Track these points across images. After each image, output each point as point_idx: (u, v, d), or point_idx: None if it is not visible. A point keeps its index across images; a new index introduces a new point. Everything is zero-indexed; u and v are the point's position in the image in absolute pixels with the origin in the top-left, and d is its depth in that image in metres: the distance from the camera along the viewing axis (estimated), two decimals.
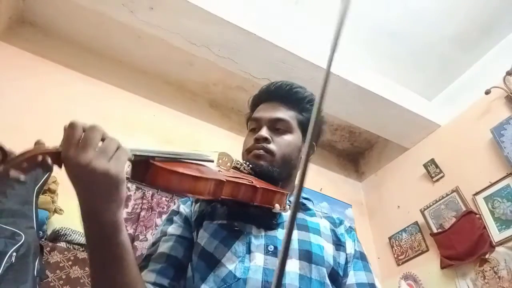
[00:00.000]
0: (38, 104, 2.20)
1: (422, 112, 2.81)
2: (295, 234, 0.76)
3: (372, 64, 2.69)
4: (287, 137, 0.87)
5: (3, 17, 2.29)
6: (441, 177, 2.67)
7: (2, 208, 1.50)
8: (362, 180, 3.49)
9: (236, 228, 0.75)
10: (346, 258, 0.80)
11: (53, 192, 1.87)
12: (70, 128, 0.50)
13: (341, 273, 0.77)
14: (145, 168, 0.58)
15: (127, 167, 0.56)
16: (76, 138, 0.49)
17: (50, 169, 0.50)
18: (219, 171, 0.74)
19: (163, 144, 2.50)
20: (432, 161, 2.73)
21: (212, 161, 0.75)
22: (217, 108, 3.05)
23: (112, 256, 0.56)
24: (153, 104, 2.68)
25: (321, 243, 0.77)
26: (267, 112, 0.90)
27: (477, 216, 2.30)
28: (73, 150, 0.49)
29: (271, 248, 0.72)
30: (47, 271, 1.59)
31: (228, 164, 0.79)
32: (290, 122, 0.88)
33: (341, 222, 0.89)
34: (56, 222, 1.83)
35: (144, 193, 2.26)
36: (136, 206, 2.20)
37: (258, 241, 0.73)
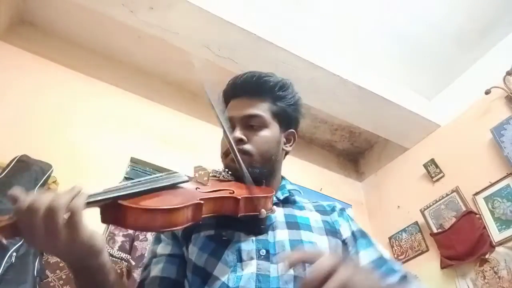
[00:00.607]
0: (38, 104, 2.20)
1: (422, 112, 2.81)
2: (286, 233, 0.74)
3: (372, 64, 2.69)
4: (263, 133, 0.82)
5: (3, 17, 2.29)
6: (441, 177, 2.67)
7: (2, 208, 1.50)
8: (362, 180, 3.49)
9: (224, 238, 0.73)
10: (346, 243, 0.78)
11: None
12: (15, 216, 0.48)
13: None
14: (113, 211, 0.54)
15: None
16: (24, 223, 0.48)
17: (4, 247, 0.48)
18: (196, 188, 0.69)
19: (163, 144, 2.50)
20: (432, 161, 2.73)
21: (187, 181, 0.70)
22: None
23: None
24: (153, 104, 2.68)
25: (313, 239, 0.74)
26: (237, 110, 0.84)
27: (477, 216, 2.30)
28: (27, 235, 0.48)
29: (263, 252, 0.70)
30: (47, 271, 1.59)
31: (205, 178, 0.73)
32: (263, 117, 0.83)
33: (333, 209, 0.85)
34: None
35: None
36: None
37: (248, 247, 0.71)
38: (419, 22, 2.48)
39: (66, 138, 2.14)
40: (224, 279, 0.67)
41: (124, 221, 0.53)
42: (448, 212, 2.50)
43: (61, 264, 1.65)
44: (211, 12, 2.15)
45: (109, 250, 1.83)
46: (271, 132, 0.83)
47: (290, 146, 0.91)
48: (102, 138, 2.27)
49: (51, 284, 1.59)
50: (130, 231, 2.08)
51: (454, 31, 2.54)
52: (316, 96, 2.58)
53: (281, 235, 0.74)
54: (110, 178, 1.99)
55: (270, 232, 0.74)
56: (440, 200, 2.58)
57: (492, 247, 2.18)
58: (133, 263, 1.92)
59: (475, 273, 2.22)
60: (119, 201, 0.53)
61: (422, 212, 2.66)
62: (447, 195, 2.54)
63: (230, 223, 0.73)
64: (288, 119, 0.89)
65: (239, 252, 0.70)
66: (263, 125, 0.83)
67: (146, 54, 2.72)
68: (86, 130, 2.25)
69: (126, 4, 2.12)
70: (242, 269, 0.68)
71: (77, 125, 2.24)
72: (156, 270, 0.73)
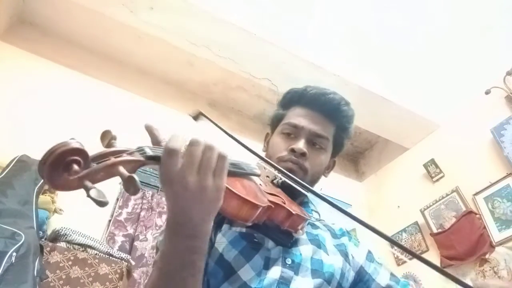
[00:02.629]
0: (38, 104, 2.20)
1: (422, 112, 2.81)
2: (310, 250, 0.75)
3: (372, 64, 2.69)
4: (322, 156, 0.84)
5: (3, 17, 2.29)
6: (441, 177, 2.67)
7: (2, 208, 1.50)
8: (362, 180, 3.49)
9: (255, 240, 0.73)
10: (363, 267, 0.82)
11: (53, 192, 1.87)
12: (169, 152, 0.48)
13: (346, 285, 0.77)
14: None
15: None
16: (177, 160, 0.48)
17: (129, 181, 0.44)
18: (260, 184, 0.70)
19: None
20: (432, 161, 2.73)
21: (259, 175, 0.71)
22: (217, 108, 3.05)
23: (193, 269, 0.54)
24: (153, 104, 2.68)
25: (330, 262, 0.76)
26: (312, 123, 0.84)
27: (477, 216, 2.30)
28: (178, 172, 0.48)
29: (289, 261, 0.72)
30: (47, 271, 1.59)
31: (267, 176, 0.74)
32: (329, 141, 0.85)
33: (343, 234, 0.87)
34: (56, 222, 1.83)
35: (144, 193, 2.26)
36: (136, 206, 2.20)
37: (276, 255, 0.72)
38: (420, 21, 2.48)
39: (66, 138, 2.14)
40: (247, 279, 0.68)
41: None
42: (448, 212, 2.50)
43: (61, 264, 1.65)
44: (211, 12, 2.15)
45: (109, 250, 1.83)
46: (326, 157, 0.86)
47: (328, 172, 0.92)
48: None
49: (51, 284, 1.59)
50: (130, 231, 2.08)
51: (454, 30, 2.54)
52: None
53: (305, 250, 0.75)
54: (111, 178, 1.99)
55: (294, 248, 0.75)
56: (440, 200, 2.58)
57: (492, 247, 2.18)
58: (133, 263, 1.92)
59: (475, 273, 2.22)
60: None
61: (422, 212, 2.67)
62: (447, 195, 2.54)
63: (263, 227, 0.73)
64: (340, 149, 0.92)
65: (267, 259, 0.71)
66: (324, 148, 0.85)
67: (146, 54, 2.72)
68: (86, 129, 2.24)
69: (126, 4, 2.12)
70: (266, 274, 0.69)
71: (77, 125, 2.24)
72: None
